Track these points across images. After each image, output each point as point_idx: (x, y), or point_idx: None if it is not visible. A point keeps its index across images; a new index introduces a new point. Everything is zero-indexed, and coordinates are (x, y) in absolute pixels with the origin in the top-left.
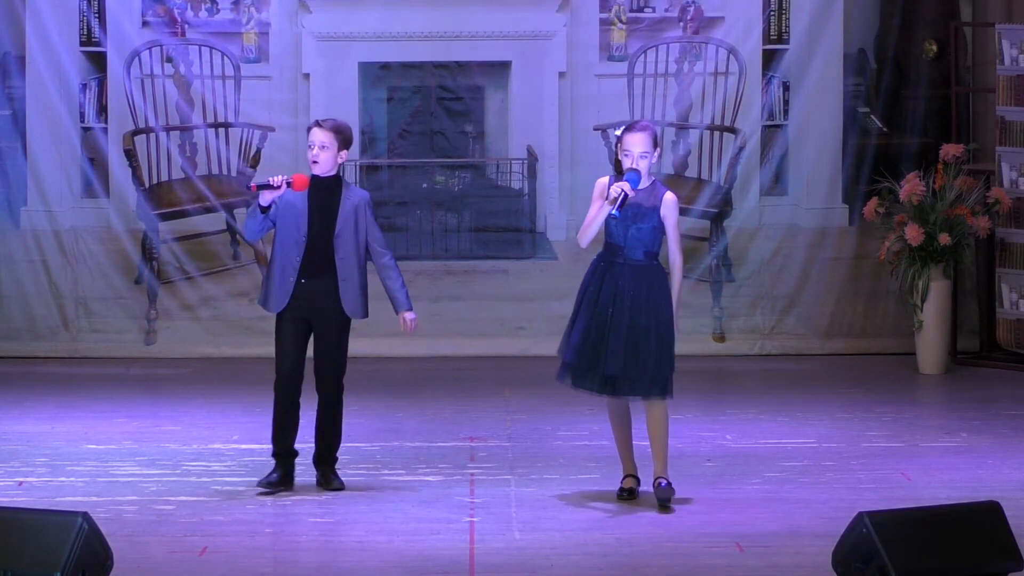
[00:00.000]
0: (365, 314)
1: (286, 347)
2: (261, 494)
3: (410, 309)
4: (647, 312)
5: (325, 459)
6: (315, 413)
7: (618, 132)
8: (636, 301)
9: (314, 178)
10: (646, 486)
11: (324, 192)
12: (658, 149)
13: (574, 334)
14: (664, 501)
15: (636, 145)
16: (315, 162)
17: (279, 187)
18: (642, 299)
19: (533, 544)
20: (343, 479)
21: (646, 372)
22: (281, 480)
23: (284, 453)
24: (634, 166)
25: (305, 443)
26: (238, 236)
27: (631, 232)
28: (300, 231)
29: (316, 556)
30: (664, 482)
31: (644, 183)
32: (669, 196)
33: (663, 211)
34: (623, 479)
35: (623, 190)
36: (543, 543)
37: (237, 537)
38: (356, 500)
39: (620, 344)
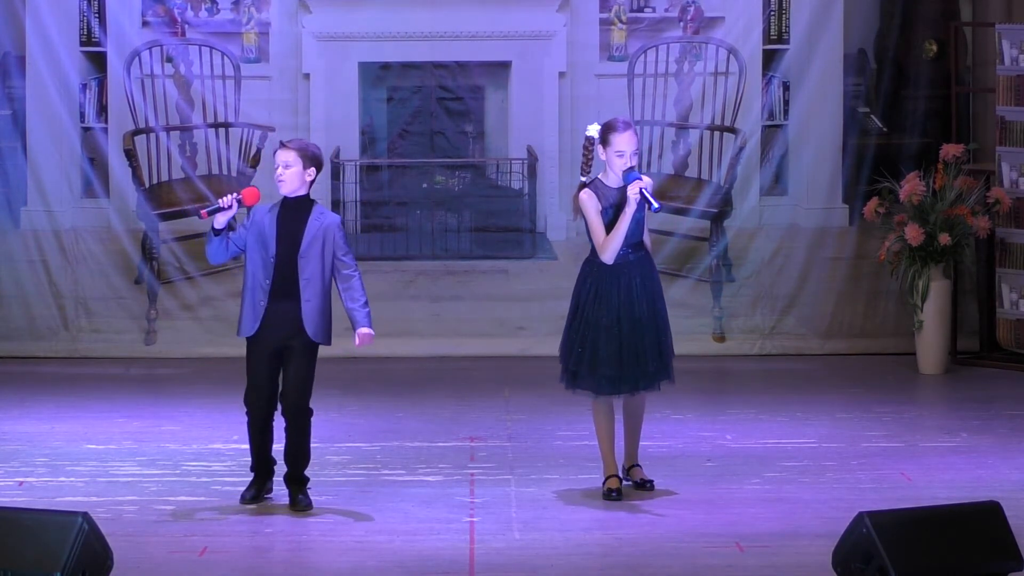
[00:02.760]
0: (328, 340)
1: (259, 380)
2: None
3: (368, 327)
4: (655, 302)
5: (294, 479)
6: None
7: (592, 132)
8: (645, 293)
9: (284, 199)
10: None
11: (292, 212)
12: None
13: (602, 343)
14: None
15: (628, 144)
16: (281, 181)
17: (230, 207)
18: (649, 290)
19: (533, 544)
20: (343, 478)
21: (666, 360)
22: (267, 490)
23: (266, 471)
24: (631, 164)
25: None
26: None
27: (630, 228)
28: (268, 252)
29: (316, 556)
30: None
31: None
32: (647, 182)
33: None
34: (610, 479)
35: (640, 188)
36: (543, 543)
37: (237, 537)
38: (356, 500)
39: (652, 337)
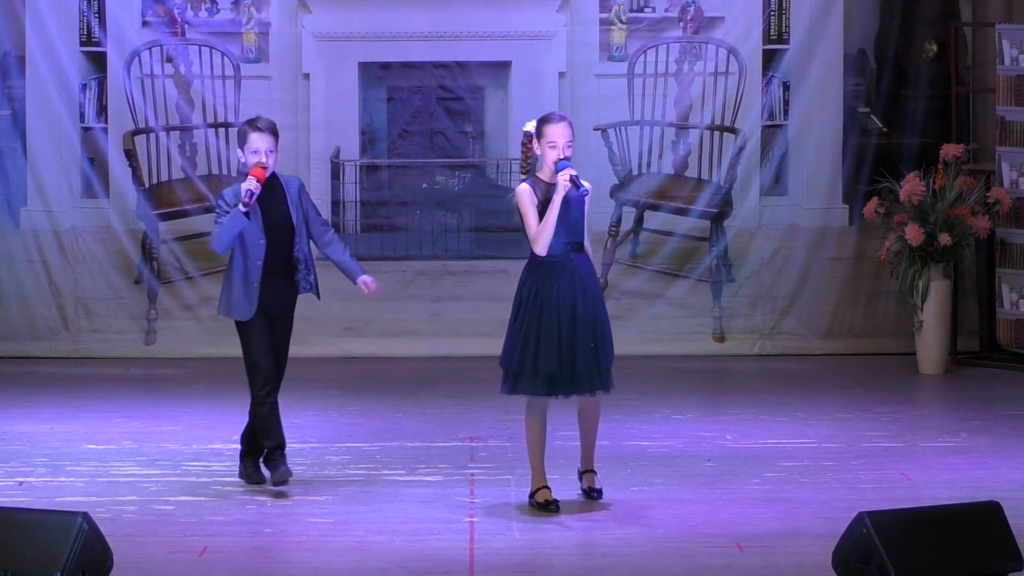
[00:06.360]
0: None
1: (265, 351)
2: (250, 488)
3: (364, 272)
4: (594, 304)
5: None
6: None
7: (528, 128)
8: (585, 295)
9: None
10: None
11: (266, 189)
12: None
13: (543, 344)
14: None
15: (561, 136)
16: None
17: (257, 190)
18: (589, 292)
19: (533, 544)
20: (343, 478)
21: (603, 365)
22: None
23: (282, 445)
24: (563, 155)
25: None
26: None
27: (570, 227)
28: (259, 233)
29: (316, 556)
30: (598, 483)
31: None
32: (587, 185)
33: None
34: (541, 490)
35: (571, 175)
36: (543, 543)
37: (237, 537)
38: (356, 500)
39: (589, 340)
